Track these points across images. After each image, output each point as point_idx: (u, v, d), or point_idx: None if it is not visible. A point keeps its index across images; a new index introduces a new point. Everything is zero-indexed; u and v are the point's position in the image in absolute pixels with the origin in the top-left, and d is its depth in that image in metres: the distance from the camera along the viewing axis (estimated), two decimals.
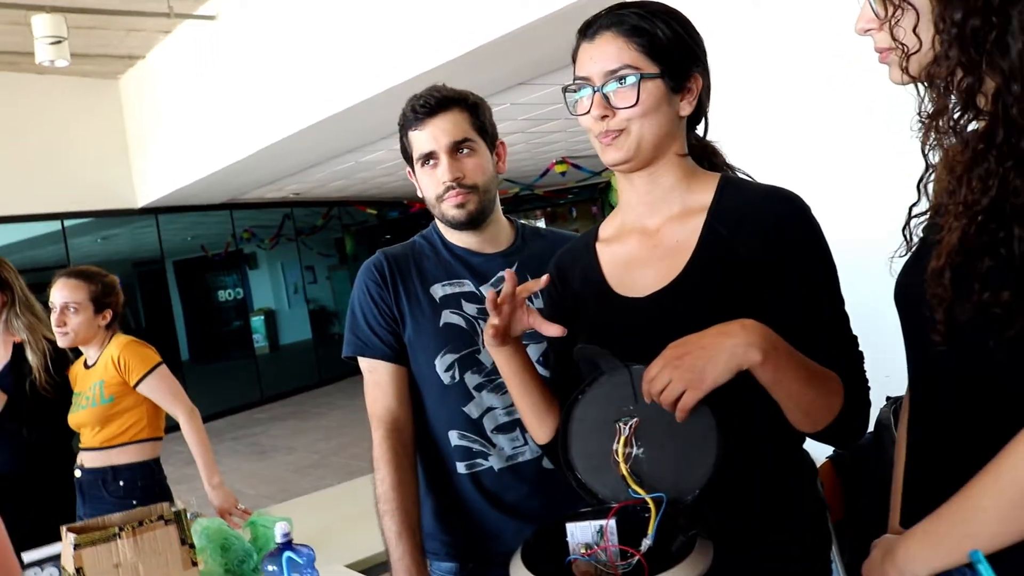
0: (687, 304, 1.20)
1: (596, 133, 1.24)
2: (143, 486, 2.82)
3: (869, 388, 1.21)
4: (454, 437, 1.68)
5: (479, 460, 1.68)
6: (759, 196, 1.24)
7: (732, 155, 1.41)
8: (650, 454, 1.14)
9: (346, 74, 5.33)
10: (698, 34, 1.27)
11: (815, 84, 2.40)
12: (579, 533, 1.12)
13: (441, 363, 1.66)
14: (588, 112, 1.22)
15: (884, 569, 1.04)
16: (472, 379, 1.66)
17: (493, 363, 1.35)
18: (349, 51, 5.26)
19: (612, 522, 1.10)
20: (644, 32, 1.20)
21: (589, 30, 1.24)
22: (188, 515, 1.88)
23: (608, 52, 1.20)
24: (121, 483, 2.80)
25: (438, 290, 1.70)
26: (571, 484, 1.21)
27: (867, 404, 1.20)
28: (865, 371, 1.21)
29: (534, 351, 1.61)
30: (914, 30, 0.96)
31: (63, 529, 1.81)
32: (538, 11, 3.92)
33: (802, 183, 1.31)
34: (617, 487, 1.14)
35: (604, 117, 1.21)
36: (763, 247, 1.19)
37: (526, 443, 1.67)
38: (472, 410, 1.67)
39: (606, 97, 1.20)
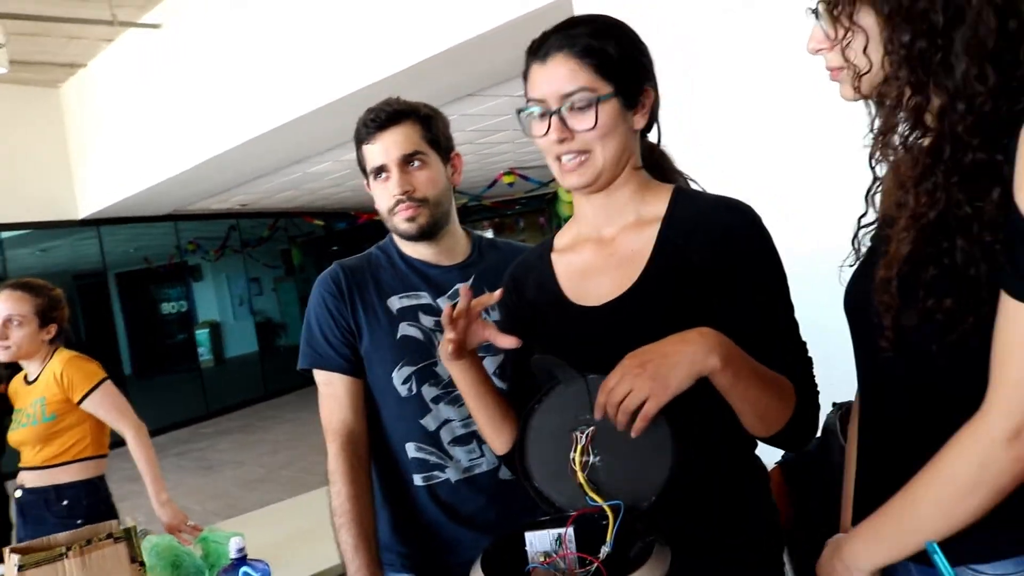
0: (642, 312, 1.21)
1: (554, 155, 1.23)
2: (88, 504, 2.76)
3: (819, 392, 1.23)
4: (411, 449, 1.67)
5: (436, 472, 1.67)
6: (710, 206, 1.26)
7: (687, 165, 1.43)
8: (607, 462, 1.14)
9: (293, 85, 5.29)
10: (646, 47, 1.27)
11: (768, 98, 2.44)
12: (538, 542, 1.12)
13: (398, 375, 1.66)
14: (546, 135, 1.21)
15: (832, 565, 1.08)
16: (429, 391, 1.66)
17: (450, 375, 1.35)
18: (296, 62, 5.22)
19: (570, 530, 1.11)
20: (596, 52, 1.19)
21: (540, 51, 1.21)
22: (137, 532, 1.84)
23: (562, 74, 1.19)
24: (65, 502, 2.74)
25: (395, 302, 1.69)
26: (529, 493, 1.21)
27: (817, 408, 1.23)
28: (814, 376, 1.23)
29: (490, 364, 1.62)
30: (864, 51, 1.00)
31: (6, 551, 1.76)
32: (486, 23, 3.93)
33: (755, 195, 1.33)
34: (575, 495, 1.15)
35: (563, 140, 1.20)
36: (714, 256, 1.20)
37: (483, 455, 1.67)
38: (429, 422, 1.67)
39: (563, 120, 1.20)
